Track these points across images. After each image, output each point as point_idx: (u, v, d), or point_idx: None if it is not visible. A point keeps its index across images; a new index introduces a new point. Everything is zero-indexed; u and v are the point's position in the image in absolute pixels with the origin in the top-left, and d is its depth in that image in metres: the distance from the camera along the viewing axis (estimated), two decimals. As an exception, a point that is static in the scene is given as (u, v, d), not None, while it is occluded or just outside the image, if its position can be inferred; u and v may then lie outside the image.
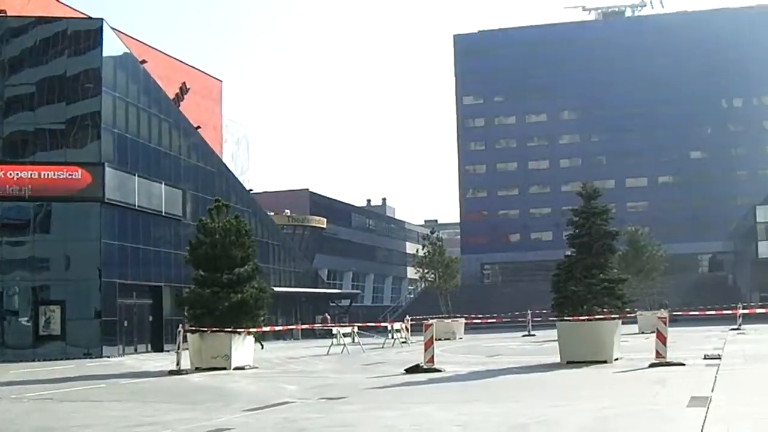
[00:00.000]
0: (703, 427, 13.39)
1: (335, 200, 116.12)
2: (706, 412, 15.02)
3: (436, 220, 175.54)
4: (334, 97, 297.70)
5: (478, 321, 62.54)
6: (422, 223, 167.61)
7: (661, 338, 26.45)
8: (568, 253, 31.01)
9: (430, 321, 30.18)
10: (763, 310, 57.43)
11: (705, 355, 29.08)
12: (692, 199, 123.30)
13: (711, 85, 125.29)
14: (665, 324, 26.89)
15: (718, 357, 28.62)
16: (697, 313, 53.28)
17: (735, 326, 54.56)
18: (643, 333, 52.50)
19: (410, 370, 27.16)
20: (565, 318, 29.46)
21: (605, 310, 29.50)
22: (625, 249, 68.33)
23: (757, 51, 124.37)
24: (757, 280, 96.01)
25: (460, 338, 58.21)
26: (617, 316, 29.82)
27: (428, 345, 27.79)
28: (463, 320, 61.44)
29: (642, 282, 66.68)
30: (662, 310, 57.26)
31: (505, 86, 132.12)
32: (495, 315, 64.35)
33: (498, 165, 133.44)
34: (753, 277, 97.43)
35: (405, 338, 51.63)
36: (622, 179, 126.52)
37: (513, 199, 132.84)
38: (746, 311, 54.30)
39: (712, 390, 18.95)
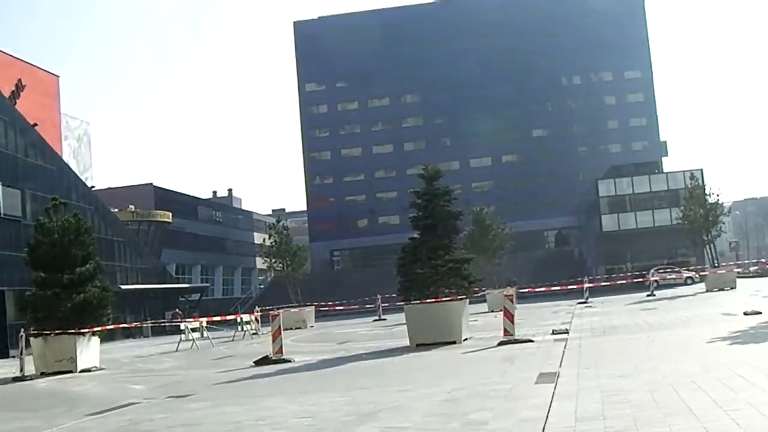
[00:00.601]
0: (551, 403, 13.30)
1: (180, 193, 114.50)
2: (555, 388, 15.01)
3: (284, 209, 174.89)
4: (176, 89, 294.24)
5: (328, 308, 62.27)
6: (270, 212, 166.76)
7: (509, 316, 26.51)
8: (414, 235, 30.95)
9: (277, 311, 29.77)
10: (607, 283, 58.85)
11: (553, 330, 29.35)
12: (536, 177, 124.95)
13: (550, 62, 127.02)
14: (512, 301, 26.99)
15: (566, 332, 28.85)
16: (544, 289, 54.03)
17: (582, 300, 55.36)
18: (492, 311, 52.81)
19: (259, 363, 26.86)
20: (412, 301, 29.39)
21: (452, 290, 29.52)
22: (471, 229, 69.11)
23: (594, 27, 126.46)
24: (602, 253, 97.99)
25: (311, 326, 57.81)
26: (464, 296, 29.85)
27: (276, 336, 27.48)
28: (312, 308, 61.02)
29: (489, 260, 67.52)
30: (509, 287, 58.03)
31: (347, 72, 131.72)
32: (345, 302, 64.19)
33: (343, 151, 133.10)
34: (598, 250, 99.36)
35: (255, 330, 51.15)
36: (466, 160, 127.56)
37: (359, 184, 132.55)
38: (592, 285, 55.35)
39: (560, 365, 18.98)
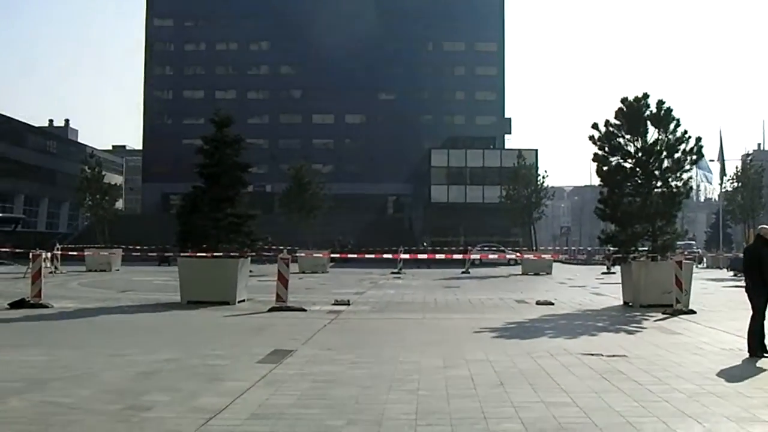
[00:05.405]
0: (247, 390, 11.81)
1: (7, 117, 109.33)
2: (271, 371, 13.62)
3: (125, 146, 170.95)
4: (18, 12, 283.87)
5: (138, 253, 59.79)
6: (110, 148, 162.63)
7: (283, 281, 24.74)
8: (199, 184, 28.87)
9: (40, 252, 27.29)
10: (424, 256, 57.54)
11: (335, 301, 27.82)
12: (378, 140, 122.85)
13: (405, 27, 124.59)
14: (287, 265, 25.07)
15: (348, 303, 27.35)
16: (356, 255, 52.91)
17: (396, 270, 53.87)
18: (304, 272, 51.19)
19: (14, 305, 24.99)
20: (183, 254, 27.41)
21: (232, 246, 27.69)
22: (289, 185, 67.49)
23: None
24: (429, 223, 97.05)
25: (117, 270, 54.72)
26: (242, 254, 27.95)
27: (36, 278, 25.62)
28: (119, 251, 58.20)
29: (304, 219, 65.74)
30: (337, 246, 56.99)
31: (197, 10, 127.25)
32: (161, 247, 61.71)
33: (185, 92, 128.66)
34: (426, 220, 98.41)
35: (54, 268, 48.39)
36: (309, 115, 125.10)
37: (198, 128, 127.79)
38: (407, 256, 53.80)
39: (305, 342, 17.39)
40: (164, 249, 61.40)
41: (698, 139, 29.00)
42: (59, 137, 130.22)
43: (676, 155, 28.86)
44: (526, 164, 72.74)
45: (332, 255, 57.59)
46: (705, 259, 76.31)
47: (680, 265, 24.95)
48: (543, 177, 72.55)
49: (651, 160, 28.88)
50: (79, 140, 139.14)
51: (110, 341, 17.85)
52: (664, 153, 28.87)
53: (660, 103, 29.03)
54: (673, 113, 28.98)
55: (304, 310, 24.42)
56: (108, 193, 65.11)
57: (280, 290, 24.71)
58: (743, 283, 17.05)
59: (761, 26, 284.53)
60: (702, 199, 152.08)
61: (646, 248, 29.59)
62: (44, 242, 69.29)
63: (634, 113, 29.09)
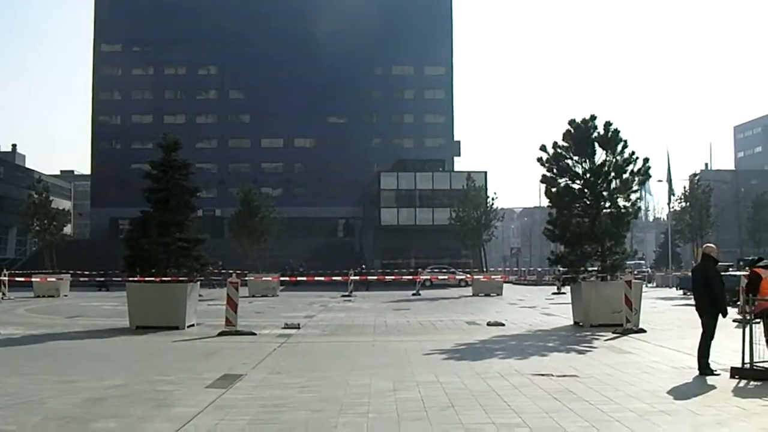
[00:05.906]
0: (196, 415, 11.75)
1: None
2: (221, 395, 13.53)
3: (73, 171, 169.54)
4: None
5: (85, 279, 59.26)
6: (58, 173, 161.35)
7: (232, 305, 24.56)
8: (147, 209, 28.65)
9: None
10: (374, 278, 57.61)
11: (285, 324, 27.55)
12: (329, 164, 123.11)
13: (354, 50, 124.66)
14: (237, 289, 24.93)
15: (298, 326, 27.12)
16: (306, 278, 52.72)
17: (346, 293, 53.75)
18: (254, 296, 50.90)
19: (-40, 332, 24.45)
20: (131, 279, 27.14)
21: (181, 271, 27.47)
22: (239, 209, 67.26)
23: (400, 19, 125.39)
24: (379, 245, 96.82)
25: (65, 296, 54.15)
26: (191, 279, 27.75)
27: (-20, 304, 25.00)
28: (68, 277, 57.70)
29: (254, 243, 65.57)
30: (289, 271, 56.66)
31: (145, 36, 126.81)
32: (102, 272, 61.47)
33: (133, 117, 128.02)
34: (376, 242, 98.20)
35: (1, 294, 47.92)
36: (258, 139, 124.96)
37: (147, 152, 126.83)
38: (357, 277, 53.81)
39: (255, 366, 17.26)
40: (104, 274, 61.26)
41: (646, 160, 29.19)
42: (6, 162, 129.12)
43: (624, 176, 29.01)
44: (475, 186, 72.99)
45: (282, 278, 57.37)
46: (654, 278, 76.88)
47: (630, 285, 25.08)
48: (492, 199, 72.81)
49: (599, 181, 29.00)
50: (27, 165, 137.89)
51: (58, 368, 17.70)
52: (612, 174, 29.00)
53: (607, 124, 29.17)
54: (621, 135, 29.16)
55: (254, 334, 24.31)
56: (56, 219, 64.87)
57: (230, 314, 24.56)
58: (693, 302, 17.13)
59: (706, 49, 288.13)
60: (651, 218, 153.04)
61: (596, 268, 29.64)
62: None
63: (581, 135, 29.21)
